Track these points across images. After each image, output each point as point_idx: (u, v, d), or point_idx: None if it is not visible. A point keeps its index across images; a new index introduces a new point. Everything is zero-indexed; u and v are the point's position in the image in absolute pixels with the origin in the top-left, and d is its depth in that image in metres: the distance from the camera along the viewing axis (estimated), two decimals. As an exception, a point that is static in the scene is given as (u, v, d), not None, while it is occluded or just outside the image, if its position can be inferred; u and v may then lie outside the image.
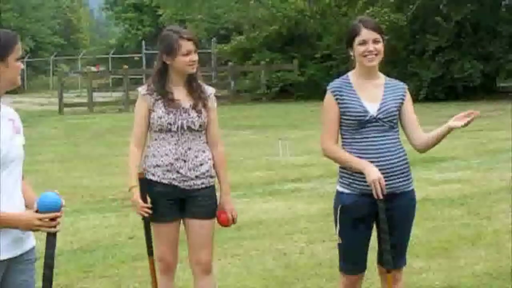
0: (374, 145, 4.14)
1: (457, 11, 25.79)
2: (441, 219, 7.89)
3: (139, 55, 43.02)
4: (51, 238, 3.19)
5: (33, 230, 3.21)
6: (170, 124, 4.42)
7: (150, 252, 4.52)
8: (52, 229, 3.18)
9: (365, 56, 4.15)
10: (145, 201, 4.38)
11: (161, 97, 4.46)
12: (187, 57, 4.41)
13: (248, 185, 10.41)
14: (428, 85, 25.49)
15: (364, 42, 4.14)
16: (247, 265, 6.46)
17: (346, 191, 4.19)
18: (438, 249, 6.70)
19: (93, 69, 37.84)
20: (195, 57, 4.44)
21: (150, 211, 4.39)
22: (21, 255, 3.28)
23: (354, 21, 4.29)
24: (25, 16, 54.22)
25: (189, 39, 4.43)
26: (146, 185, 4.38)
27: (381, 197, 4.05)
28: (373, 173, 4.05)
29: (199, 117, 4.45)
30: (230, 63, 31.67)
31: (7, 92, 3.33)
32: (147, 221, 4.46)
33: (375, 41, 4.16)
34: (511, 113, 17.51)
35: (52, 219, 3.17)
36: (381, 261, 4.34)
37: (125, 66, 31.30)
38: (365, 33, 4.15)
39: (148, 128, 4.50)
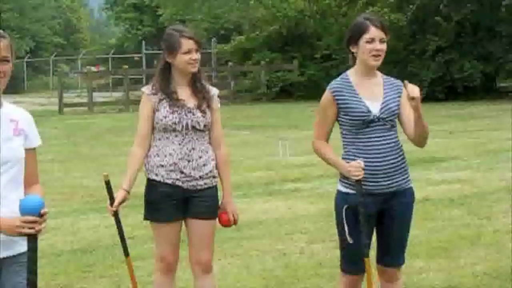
0: (377, 144, 4.14)
1: (457, 11, 25.80)
2: (441, 219, 7.89)
3: (139, 55, 43.03)
4: (31, 242, 3.10)
5: (17, 234, 3.11)
6: (175, 124, 4.41)
7: (127, 253, 4.51)
8: (30, 231, 3.07)
9: (371, 54, 4.13)
10: (112, 202, 4.37)
11: (165, 96, 4.45)
12: (187, 56, 4.40)
13: (248, 185, 10.41)
14: (428, 85, 25.48)
15: (372, 41, 4.11)
16: (247, 265, 6.46)
17: (351, 191, 4.17)
18: (438, 249, 6.70)
19: (93, 69, 37.84)
20: (196, 55, 4.43)
21: (112, 213, 4.40)
22: (16, 256, 3.25)
23: (360, 18, 4.24)
24: (25, 16, 54.27)
25: (190, 38, 4.42)
26: (111, 188, 4.36)
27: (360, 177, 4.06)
28: (348, 168, 4.07)
29: (203, 117, 4.45)
30: (230, 63, 31.69)
31: (7, 93, 3.31)
32: (117, 221, 4.45)
33: (382, 41, 4.15)
34: (511, 113, 17.51)
35: (32, 222, 3.07)
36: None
37: (125, 66, 31.35)
38: (374, 32, 4.12)
39: (153, 128, 4.50)
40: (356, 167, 4.03)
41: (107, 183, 4.35)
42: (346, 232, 4.18)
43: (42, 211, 3.09)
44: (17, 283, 3.24)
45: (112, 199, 4.37)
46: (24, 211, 3.09)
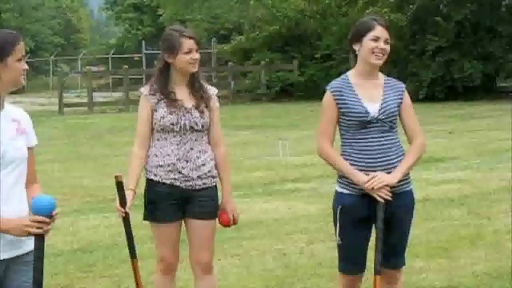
0: (374, 145, 4.14)
1: (457, 11, 25.78)
2: (441, 219, 7.89)
3: (139, 55, 43.01)
4: (38, 241, 3.13)
5: (25, 234, 3.13)
6: (173, 124, 4.41)
7: (133, 255, 4.43)
8: (39, 231, 3.11)
9: (373, 52, 4.12)
10: (123, 204, 4.28)
11: (163, 97, 4.45)
12: (188, 55, 4.41)
13: (248, 185, 10.41)
14: (428, 85, 25.48)
15: (377, 39, 4.12)
16: (247, 265, 6.46)
17: (346, 191, 4.18)
18: (438, 249, 6.70)
19: (93, 69, 37.81)
20: (196, 55, 4.43)
21: (124, 215, 4.29)
22: (22, 256, 3.26)
23: (366, 17, 4.28)
24: (25, 16, 54.31)
25: (190, 37, 4.43)
26: (123, 188, 4.29)
27: (383, 200, 4.05)
28: (363, 178, 4.06)
29: (201, 117, 4.45)
30: (230, 63, 31.68)
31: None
32: (126, 224, 4.35)
33: (386, 41, 4.16)
34: (511, 113, 17.50)
35: (41, 222, 3.10)
36: (380, 262, 4.34)
37: (125, 66, 31.32)
38: (380, 30, 4.13)
39: (152, 129, 4.49)
40: (387, 189, 4.03)
41: (120, 184, 4.27)
42: (337, 232, 4.20)
43: (53, 213, 3.12)
44: (22, 282, 3.25)
45: (123, 200, 4.29)
46: (36, 210, 3.11)
